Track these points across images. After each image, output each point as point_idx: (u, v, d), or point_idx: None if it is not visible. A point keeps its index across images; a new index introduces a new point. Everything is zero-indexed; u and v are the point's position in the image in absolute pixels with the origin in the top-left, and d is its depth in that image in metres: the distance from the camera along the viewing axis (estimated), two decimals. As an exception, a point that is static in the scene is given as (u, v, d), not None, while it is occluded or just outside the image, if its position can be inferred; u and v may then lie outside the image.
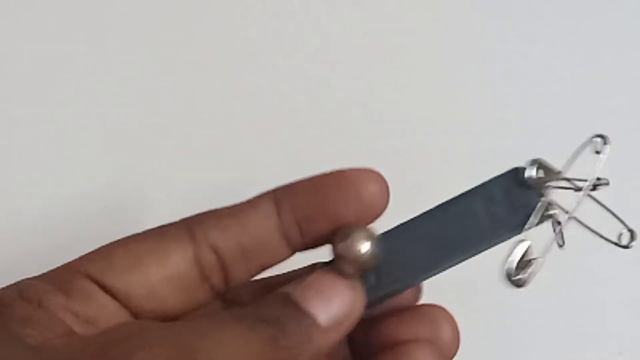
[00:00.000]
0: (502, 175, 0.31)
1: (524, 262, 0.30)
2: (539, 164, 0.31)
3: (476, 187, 0.31)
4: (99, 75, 0.44)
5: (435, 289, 0.41)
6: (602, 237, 0.33)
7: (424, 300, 0.39)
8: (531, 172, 0.30)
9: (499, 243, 0.30)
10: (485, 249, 0.30)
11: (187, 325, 0.30)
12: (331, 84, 0.45)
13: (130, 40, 0.43)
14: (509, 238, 0.30)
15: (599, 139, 0.31)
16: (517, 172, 0.30)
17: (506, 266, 0.30)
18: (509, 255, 0.30)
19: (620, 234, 0.33)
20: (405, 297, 0.36)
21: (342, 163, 0.44)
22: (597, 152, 0.31)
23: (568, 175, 0.31)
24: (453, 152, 0.45)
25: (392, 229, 0.32)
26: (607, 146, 0.31)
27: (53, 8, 0.45)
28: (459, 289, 0.42)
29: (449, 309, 0.40)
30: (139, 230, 0.43)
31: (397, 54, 0.46)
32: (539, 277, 0.42)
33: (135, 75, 0.44)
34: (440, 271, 0.31)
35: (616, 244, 0.33)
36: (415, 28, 0.46)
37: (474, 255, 0.30)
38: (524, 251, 0.30)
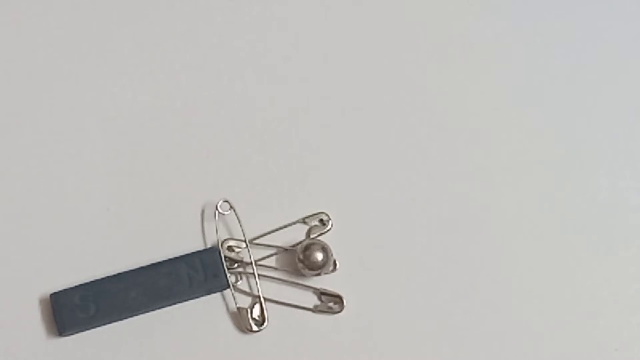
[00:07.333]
0: (203, 250, 0.40)
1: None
2: (227, 247, 0.41)
3: (183, 255, 0.40)
4: (102, 76, 0.44)
5: (434, 288, 0.41)
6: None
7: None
8: (222, 255, 0.40)
9: (196, 297, 0.40)
10: (184, 301, 0.40)
11: None
12: (330, 86, 0.45)
13: (130, 42, 0.44)
14: (210, 294, 0.40)
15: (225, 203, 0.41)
16: (213, 251, 0.40)
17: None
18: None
19: None
20: None
21: (342, 163, 0.45)
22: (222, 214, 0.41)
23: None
24: (451, 154, 0.45)
25: (113, 275, 0.40)
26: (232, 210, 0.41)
27: (54, 9, 0.45)
28: (456, 287, 0.42)
29: (446, 307, 0.40)
30: (141, 232, 0.42)
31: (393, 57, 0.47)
32: (535, 274, 0.43)
33: (137, 76, 0.44)
34: (145, 312, 0.39)
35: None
36: (409, 30, 0.47)
37: (174, 304, 0.40)
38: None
